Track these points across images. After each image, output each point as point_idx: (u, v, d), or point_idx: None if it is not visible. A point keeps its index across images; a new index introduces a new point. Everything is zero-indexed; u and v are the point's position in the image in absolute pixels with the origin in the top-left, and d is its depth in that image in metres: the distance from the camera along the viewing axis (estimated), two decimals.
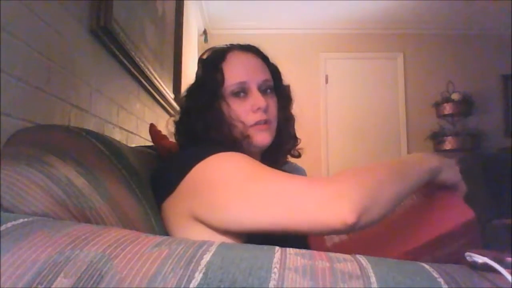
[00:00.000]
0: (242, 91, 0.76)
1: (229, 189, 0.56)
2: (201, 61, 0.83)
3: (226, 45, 0.83)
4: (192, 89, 0.82)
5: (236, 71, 0.77)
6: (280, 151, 0.86)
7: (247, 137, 0.74)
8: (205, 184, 0.58)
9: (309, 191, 0.52)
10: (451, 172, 0.65)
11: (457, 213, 0.64)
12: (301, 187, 0.53)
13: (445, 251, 0.63)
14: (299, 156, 0.89)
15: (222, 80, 0.76)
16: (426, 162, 0.63)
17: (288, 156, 0.89)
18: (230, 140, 0.73)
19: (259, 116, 0.75)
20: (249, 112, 0.75)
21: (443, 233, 0.63)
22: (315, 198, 0.50)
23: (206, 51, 0.84)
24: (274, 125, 0.79)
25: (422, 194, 0.68)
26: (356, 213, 0.48)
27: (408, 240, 0.63)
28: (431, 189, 0.67)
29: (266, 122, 0.76)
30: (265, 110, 0.76)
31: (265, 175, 0.57)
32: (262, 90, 0.77)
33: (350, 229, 0.49)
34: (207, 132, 0.73)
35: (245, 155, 0.62)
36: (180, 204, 0.61)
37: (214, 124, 0.74)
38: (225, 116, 0.75)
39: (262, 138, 0.76)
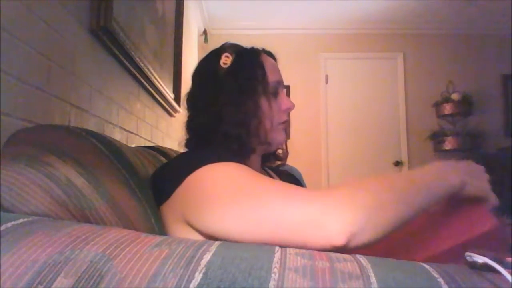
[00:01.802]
0: (276, 91, 0.79)
1: (219, 202, 0.54)
2: (234, 52, 0.78)
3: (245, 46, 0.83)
4: (222, 79, 0.76)
5: (273, 70, 0.80)
6: (274, 153, 0.90)
7: (267, 139, 0.77)
8: (198, 194, 0.57)
9: (299, 210, 0.49)
10: (477, 186, 0.58)
11: (477, 225, 0.59)
12: (293, 204, 0.49)
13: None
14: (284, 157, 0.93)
15: (264, 76, 0.76)
16: (446, 178, 0.56)
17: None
18: (254, 137, 0.74)
19: (286, 116, 0.80)
20: (279, 111, 0.79)
21: (458, 244, 0.58)
22: (304, 218, 0.47)
23: (226, 45, 0.81)
24: None
25: (446, 202, 0.62)
26: (345, 236, 0.45)
27: (421, 249, 0.60)
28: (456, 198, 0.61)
29: (286, 122, 0.81)
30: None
31: (257, 189, 0.54)
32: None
33: (338, 251, 0.45)
34: (235, 125, 0.72)
35: (239, 165, 0.59)
36: (175, 210, 0.61)
37: (247, 117, 0.73)
38: (260, 111, 0.75)
39: (283, 137, 0.81)
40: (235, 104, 0.72)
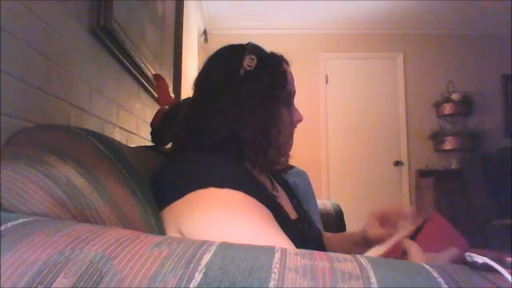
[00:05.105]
0: (292, 102, 0.78)
1: (218, 232, 0.54)
2: (257, 54, 0.73)
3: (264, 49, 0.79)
4: (243, 82, 0.71)
5: (292, 81, 0.78)
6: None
7: (287, 150, 0.76)
8: (195, 212, 0.57)
9: None
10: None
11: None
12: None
13: None
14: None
15: (286, 85, 0.74)
16: None
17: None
18: (273, 147, 0.70)
19: (293, 129, 0.79)
20: (291, 123, 0.77)
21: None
22: None
23: (249, 45, 0.76)
24: None
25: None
26: None
27: None
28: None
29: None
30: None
31: (259, 234, 0.55)
32: None
33: None
34: (255, 132, 0.68)
35: (251, 201, 0.58)
36: (172, 217, 0.61)
37: (268, 125, 0.69)
38: (279, 121, 0.72)
39: (291, 144, 0.79)
40: (256, 110, 0.68)
